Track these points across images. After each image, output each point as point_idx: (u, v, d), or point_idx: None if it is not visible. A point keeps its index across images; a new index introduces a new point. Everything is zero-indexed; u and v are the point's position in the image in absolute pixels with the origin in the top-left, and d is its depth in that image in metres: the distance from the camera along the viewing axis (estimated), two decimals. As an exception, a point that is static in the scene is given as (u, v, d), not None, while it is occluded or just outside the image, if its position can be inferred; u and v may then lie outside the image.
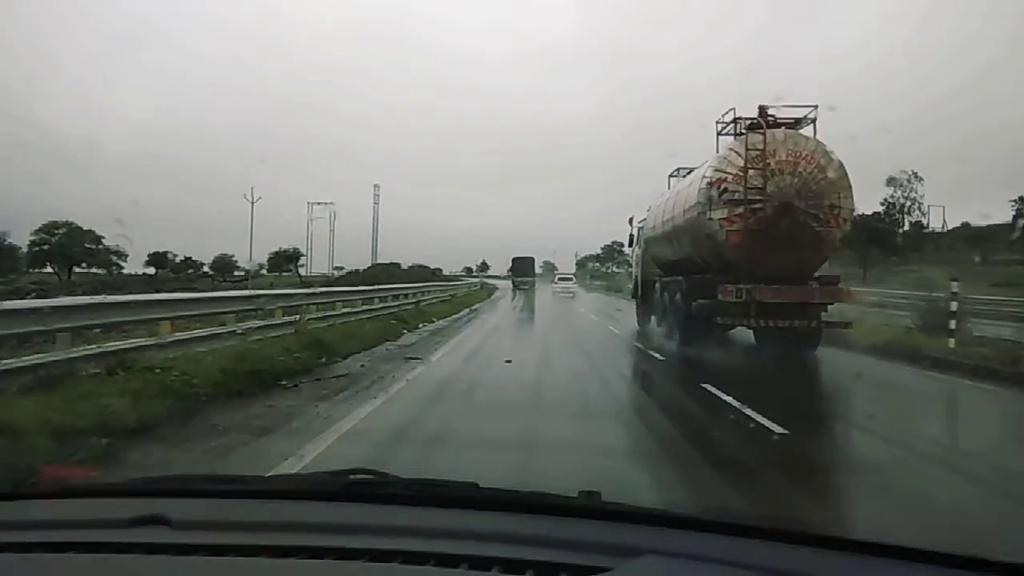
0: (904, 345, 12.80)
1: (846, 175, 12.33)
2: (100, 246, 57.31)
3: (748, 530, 1.46)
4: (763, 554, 1.36)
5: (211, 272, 65.87)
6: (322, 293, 16.97)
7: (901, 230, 43.04)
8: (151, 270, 66.25)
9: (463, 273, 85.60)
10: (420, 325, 18.32)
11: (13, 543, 1.46)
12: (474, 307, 30.15)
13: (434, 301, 27.64)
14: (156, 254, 68.31)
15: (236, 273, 60.02)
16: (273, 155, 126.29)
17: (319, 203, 76.36)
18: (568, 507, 1.60)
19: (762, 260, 12.14)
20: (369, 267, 60.72)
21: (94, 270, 57.09)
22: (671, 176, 18.51)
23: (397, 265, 61.50)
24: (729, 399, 7.71)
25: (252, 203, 56.46)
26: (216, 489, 1.85)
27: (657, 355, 13.06)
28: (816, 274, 13.00)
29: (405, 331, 16.37)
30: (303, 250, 72.11)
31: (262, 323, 11.44)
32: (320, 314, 14.75)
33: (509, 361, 11.41)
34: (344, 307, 16.66)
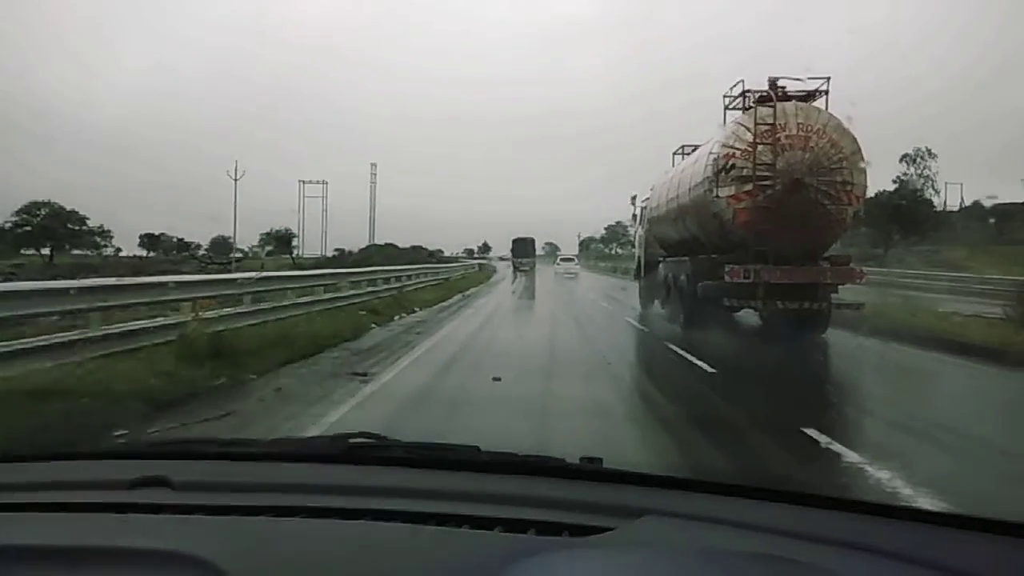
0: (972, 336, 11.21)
1: (860, 150, 12.13)
2: (84, 227, 56.98)
3: (745, 490, 1.52)
4: (758, 513, 1.41)
5: (209, 254, 65.51)
6: (256, 280, 12.47)
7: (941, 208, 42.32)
8: (143, 252, 66.04)
9: (464, 255, 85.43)
10: (397, 317, 15.79)
11: (13, 503, 1.49)
12: (468, 292, 27.75)
13: (423, 286, 25.66)
14: (149, 236, 67.98)
15: (234, 255, 59.62)
16: (272, 137, 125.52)
17: (311, 182, 75.02)
18: (569, 470, 1.63)
19: (771, 239, 11.97)
20: (363, 248, 59.98)
21: (76, 251, 56.69)
22: (675, 154, 18.31)
23: (393, 246, 61.05)
24: (826, 440, 5.30)
25: (235, 180, 55.86)
26: (217, 451, 1.88)
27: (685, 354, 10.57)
28: (827, 254, 12.83)
29: (374, 326, 13.66)
30: (303, 230, 72.15)
31: (161, 322, 8.86)
32: (252, 307, 11.43)
33: (498, 379, 7.82)
34: (301, 295, 14.02)
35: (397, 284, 21.92)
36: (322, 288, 15.37)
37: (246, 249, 64.48)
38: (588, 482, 1.58)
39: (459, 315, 17.83)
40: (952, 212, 42.43)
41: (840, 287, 12.66)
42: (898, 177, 42.27)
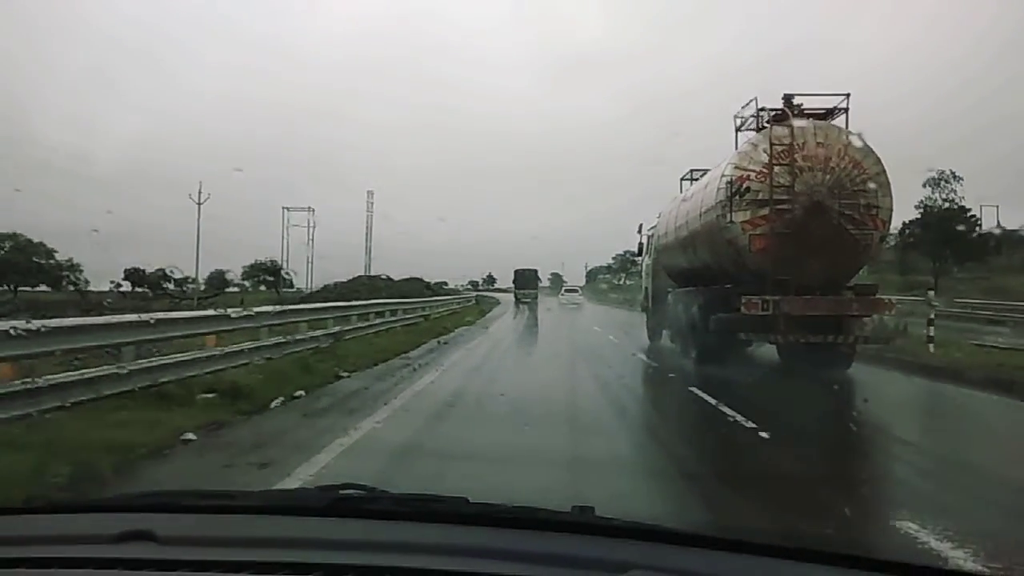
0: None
1: (884, 171, 11.99)
2: (52, 261, 56.70)
3: (738, 545, 1.56)
4: (752, 569, 1.46)
5: (181, 289, 65.13)
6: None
7: (979, 231, 41.55)
8: (127, 286, 65.46)
9: (468, 287, 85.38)
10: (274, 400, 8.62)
11: None
12: (448, 336, 21.03)
13: (385, 328, 19.87)
14: (135, 271, 67.40)
15: (193, 286, 58.90)
16: (277, 172, 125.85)
17: (297, 209, 74.14)
18: (558, 522, 1.69)
19: (790, 268, 11.76)
20: (351, 279, 58.65)
21: (42, 288, 56.24)
22: (683, 179, 18.28)
23: (386, 278, 60.13)
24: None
25: (199, 204, 54.39)
26: (203, 504, 1.96)
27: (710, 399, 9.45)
28: (851, 283, 12.62)
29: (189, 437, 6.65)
30: (299, 260, 71.25)
31: None
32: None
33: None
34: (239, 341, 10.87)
35: (334, 329, 15.20)
36: (265, 330, 11.73)
37: (242, 282, 64.02)
38: (577, 535, 1.63)
39: (406, 391, 9.97)
40: (993, 235, 41.95)
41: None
42: (921, 202, 42.18)
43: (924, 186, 42.22)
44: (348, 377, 11.16)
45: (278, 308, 13.45)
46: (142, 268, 64.54)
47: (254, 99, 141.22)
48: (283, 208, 74.05)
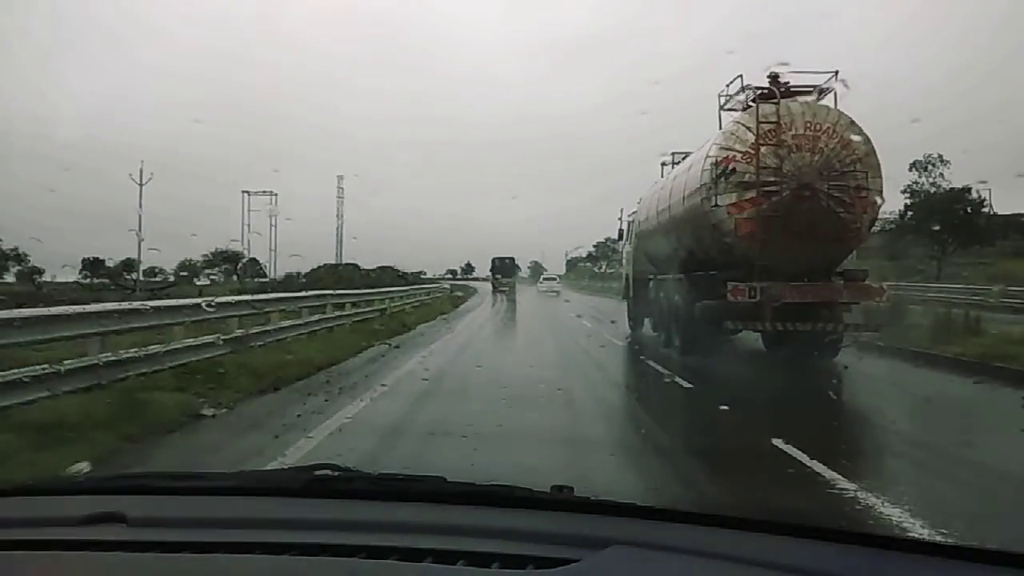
0: None
1: (874, 151, 11.90)
2: (-7, 250, 55.32)
3: (715, 520, 1.60)
4: (728, 543, 1.49)
5: (170, 278, 63.73)
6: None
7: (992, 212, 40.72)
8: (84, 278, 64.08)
9: (447, 276, 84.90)
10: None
11: None
12: (401, 339, 17.43)
13: (324, 328, 15.92)
14: (93, 260, 65.93)
15: (134, 276, 57.32)
16: (246, 148, 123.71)
17: (258, 193, 70.42)
18: (535, 500, 1.71)
19: (778, 253, 11.65)
20: (314, 269, 55.60)
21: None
22: (664, 164, 18.15)
23: (354, 266, 58.74)
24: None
25: (141, 185, 52.22)
26: (175, 486, 1.97)
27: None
28: (840, 268, 12.56)
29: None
30: (267, 246, 68.97)
31: None
32: None
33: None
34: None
35: (239, 332, 11.59)
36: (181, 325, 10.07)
37: (168, 271, 62.59)
38: (555, 512, 1.67)
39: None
40: (1000, 217, 41.81)
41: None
42: (908, 187, 42.26)
43: (910, 170, 42.44)
44: (175, 432, 7.03)
45: (127, 305, 9.60)
46: (101, 257, 63.16)
47: (228, 82, 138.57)
48: (243, 192, 70.37)
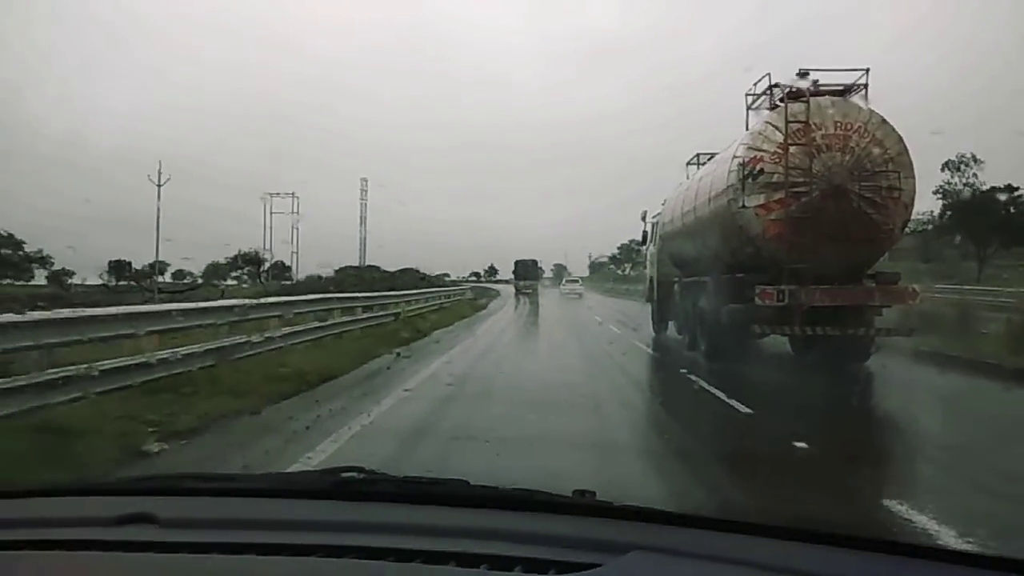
0: None
1: (906, 151, 11.68)
2: (19, 253, 56.11)
3: (737, 526, 1.61)
4: (749, 549, 1.49)
5: (199, 280, 64.24)
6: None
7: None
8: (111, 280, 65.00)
9: (471, 278, 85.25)
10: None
11: None
12: (412, 347, 16.16)
13: (332, 335, 14.84)
14: (117, 263, 66.91)
15: (154, 280, 57.77)
16: (275, 155, 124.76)
17: (279, 194, 70.57)
18: (558, 504, 1.74)
19: (807, 255, 11.48)
20: (338, 270, 54.88)
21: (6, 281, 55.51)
22: (689, 164, 18.05)
23: (376, 268, 58.87)
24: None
25: (159, 185, 52.11)
26: (204, 487, 2.01)
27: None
28: (872, 271, 12.36)
29: None
30: (291, 249, 68.81)
31: None
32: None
33: None
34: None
35: (227, 341, 10.25)
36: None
37: (196, 274, 63.03)
38: (577, 516, 1.68)
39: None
40: None
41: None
42: (940, 187, 41.58)
43: (942, 170, 41.76)
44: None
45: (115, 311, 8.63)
46: (126, 260, 64.01)
47: (255, 93, 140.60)
48: (266, 194, 70.65)
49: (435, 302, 31.03)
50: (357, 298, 19.81)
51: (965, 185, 41.21)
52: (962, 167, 41.74)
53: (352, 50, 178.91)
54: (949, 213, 40.56)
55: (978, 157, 41.68)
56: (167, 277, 70.67)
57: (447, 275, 69.94)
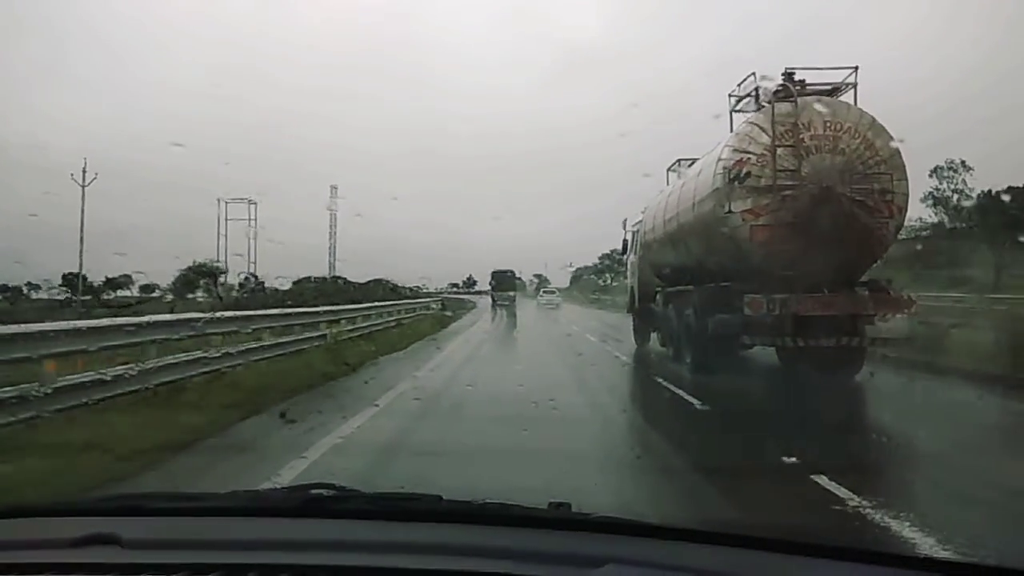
0: None
1: (899, 152, 11.42)
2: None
3: (714, 537, 1.64)
4: (726, 560, 1.53)
5: (167, 296, 62.39)
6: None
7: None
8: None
9: (450, 289, 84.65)
10: None
11: None
12: (289, 404, 9.34)
13: (210, 371, 10.27)
14: (72, 275, 65.02)
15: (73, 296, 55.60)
16: (252, 163, 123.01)
17: (235, 200, 66.13)
18: (532, 518, 1.76)
19: (798, 262, 11.13)
20: (297, 282, 49.37)
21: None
22: (671, 170, 17.73)
23: (338, 280, 54.96)
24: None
25: (83, 186, 49.12)
26: (170, 507, 2.01)
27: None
28: (863, 278, 11.99)
29: None
30: (251, 258, 65.84)
31: None
32: None
33: None
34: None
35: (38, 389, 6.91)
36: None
37: (165, 287, 61.33)
38: (551, 530, 1.70)
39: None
40: None
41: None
42: (929, 193, 41.41)
43: (930, 176, 41.68)
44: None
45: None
46: (79, 273, 62.19)
47: (229, 97, 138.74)
48: (218, 200, 65.87)
49: (392, 318, 26.20)
50: (272, 315, 14.90)
51: (954, 191, 41.31)
52: (951, 173, 41.79)
53: (323, 54, 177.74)
54: (967, 216, 39.67)
55: (967, 162, 41.70)
56: (135, 291, 68.92)
57: (424, 287, 68.86)
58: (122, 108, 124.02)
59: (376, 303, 28.86)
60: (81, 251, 49.61)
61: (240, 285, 63.82)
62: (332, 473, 6.03)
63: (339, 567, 1.49)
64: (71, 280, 61.17)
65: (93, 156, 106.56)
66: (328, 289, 42.30)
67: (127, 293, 64.18)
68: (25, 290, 58.92)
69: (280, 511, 1.89)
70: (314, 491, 1.94)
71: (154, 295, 66.26)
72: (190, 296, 57.51)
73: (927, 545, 4.01)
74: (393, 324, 24.71)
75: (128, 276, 64.43)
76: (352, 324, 19.73)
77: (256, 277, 67.54)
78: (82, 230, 49.15)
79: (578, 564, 1.48)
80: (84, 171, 49.26)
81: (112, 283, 65.81)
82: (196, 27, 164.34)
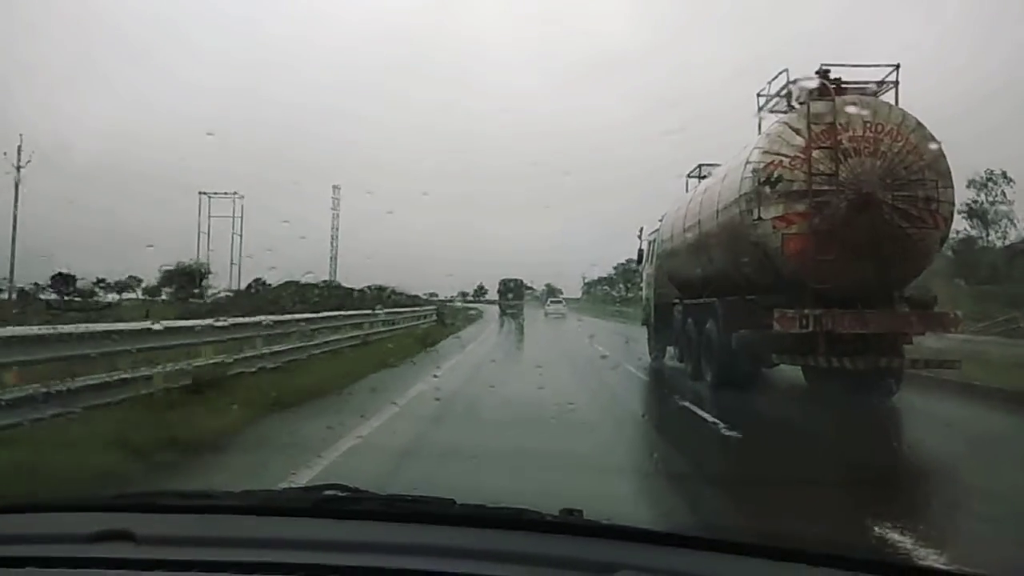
0: None
1: (944, 156, 10.71)
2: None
3: (724, 545, 1.66)
4: (735, 568, 1.57)
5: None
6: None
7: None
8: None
9: (457, 298, 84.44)
10: None
11: None
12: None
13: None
14: (61, 276, 64.20)
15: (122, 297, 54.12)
16: (277, 163, 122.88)
17: (218, 194, 61.46)
18: (545, 524, 1.76)
19: (832, 274, 10.42)
20: (280, 285, 43.29)
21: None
22: (690, 176, 17.10)
23: (328, 285, 46.65)
24: None
25: (18, 168, 45.74)
26: (184, 504, 2.05)
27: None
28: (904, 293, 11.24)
29: None
30: (232, 259, 63.79)
31: None
32: None
33: None
34: None
35: None
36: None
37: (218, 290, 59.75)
38: (564, 536, 1.72)
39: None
40: None
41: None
42: (967, 205, 40.19)
43: (968, 187, 40.45)
44: None
45: None
46: (72, 273, 61.14)
47: (250, 95, 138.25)
48: (199, 193, 60.65)
49: (356, 332, 20.15)
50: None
51: (991, 204, 40.17)
52: (989, 184, 40.60)
53: (346, 53, 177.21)
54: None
55: (1008, 174, 40.29)
56: (138, 293, 68.17)
57: (435, 294, 67.67)
58: (151, 106, 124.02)
59: (400, 309, 26.68)
60: (13, 248, 44.94)
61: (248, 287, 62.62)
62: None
63: (351, 567, 1.53)
64: (58, 280, 60.16)
65: (118, 154, 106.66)
66: (308, 295, 36.91)
67: (133, 296, 63.32)
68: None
69: (293, 511, 1.92)
70: (328, 491, 1.99)
71: (163, 297, 64.94)
72: (163, 299, 56.16)
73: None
74: (358, 343, 19.06)
75: (135, 278, 63.68)
76: (282, 344, 14.00)
77: (260, 280, 66.74)
78: (15, 223, 44.20)
79: (590, 570, 1.51)
80: (19, 149, 44.51)
81: (102, 283, 64.75)
82: (227, 25, 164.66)
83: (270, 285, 42.81)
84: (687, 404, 11.04)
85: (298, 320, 16.35)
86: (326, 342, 17.08)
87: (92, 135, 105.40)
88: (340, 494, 1.96)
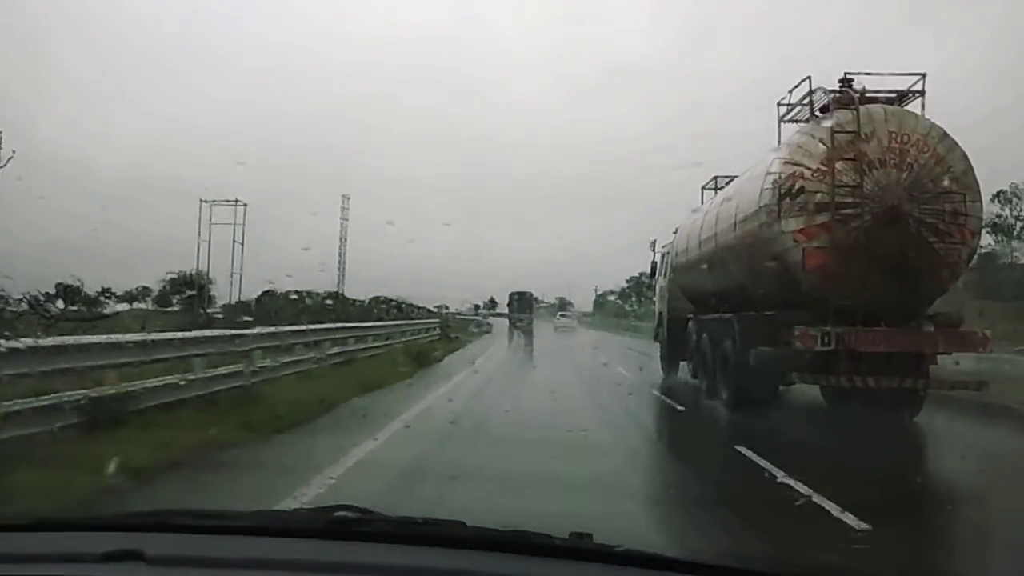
0: None
1: (972, 169, 10.42)
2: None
3: (735, 572, 1.72)
4: None
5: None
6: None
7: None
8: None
9: (471, 310, 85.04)
10: None
11: None
12: None
13: None
14: (64, 286, 63.83)
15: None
16: (292, 175, 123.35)
17: (219, 202, 60.33)
18: (554, 548, 1.78)
19: (856, 291, 10.13)
20: (262, 294, 41.34)
21: None
22: (706, 188, 16.83)
23: (328, 296, 42.64)
24: None
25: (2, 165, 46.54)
26: (195, 524, 2.03)
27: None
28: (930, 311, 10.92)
29: None
30: (233, 268, 62.30)
31: None
32: None
33: None
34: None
35: None
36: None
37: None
38: (573, 561, 1.74)
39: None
40: None
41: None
42: (991, 219, 39.47)
43: (992, 201, 39.79)
44: None
45: None
46: (74, 284, 60.61)
47: (269, 106, 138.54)
48: (200, 200, 58.38)
49: (339, 348, 16.95)
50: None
51: (1016, 219, 39.57)
52: (1014, 199, 39.93)
53: (359, 65, 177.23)
54: None
55: None
56: (148, 304, 68.04)
57: (446, 306, 67.42)
58: (172, 122, 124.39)
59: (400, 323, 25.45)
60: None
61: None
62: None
63: None
64: (62, 290, 59.65)
65: (140, 170, 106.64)
66: (295, 308, 32.71)
67: (143, 306, 62.94)
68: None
69: (304, 532, 1.95)
70: (338, 513, 2.02)
71: (174, 307, 64.48)
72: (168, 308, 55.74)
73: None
74: (343, 359, 16.62)
75: (147, 288, 63.29)
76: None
77: (271, 292, 66.14)
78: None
79: None
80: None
81: (107, 293, 64.24)
82: (246, 41, 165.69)
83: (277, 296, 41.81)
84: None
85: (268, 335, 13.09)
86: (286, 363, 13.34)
87: (112, 152, 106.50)
88: (351, 515, 1.99)
